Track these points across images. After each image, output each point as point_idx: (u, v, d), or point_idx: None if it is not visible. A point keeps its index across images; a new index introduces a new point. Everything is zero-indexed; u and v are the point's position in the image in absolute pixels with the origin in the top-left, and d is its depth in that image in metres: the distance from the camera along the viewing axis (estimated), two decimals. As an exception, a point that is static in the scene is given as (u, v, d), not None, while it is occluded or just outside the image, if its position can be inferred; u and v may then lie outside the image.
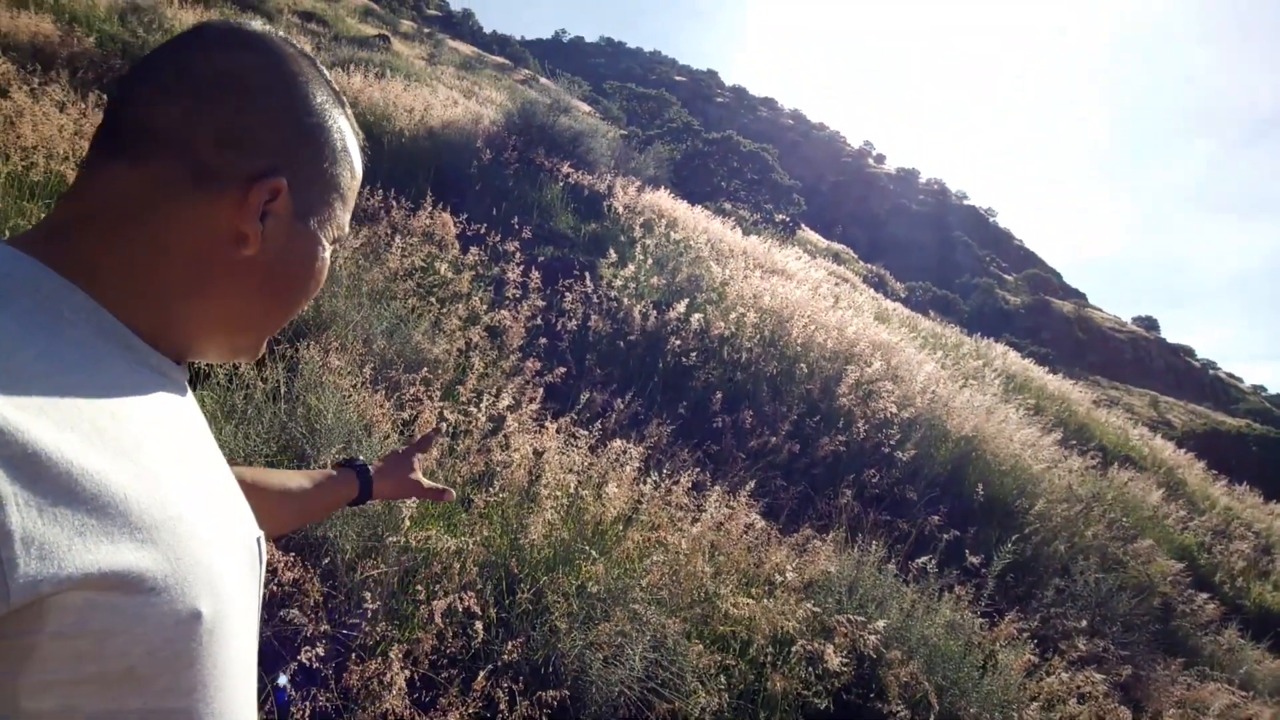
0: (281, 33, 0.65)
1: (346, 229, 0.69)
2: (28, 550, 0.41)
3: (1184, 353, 57.38)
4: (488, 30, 49.67)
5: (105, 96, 5.37)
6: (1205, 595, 6.10)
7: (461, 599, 1.83)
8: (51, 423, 0.45)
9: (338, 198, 0.66)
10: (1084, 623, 4.53)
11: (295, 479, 1.05)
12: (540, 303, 4.84)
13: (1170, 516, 7.74)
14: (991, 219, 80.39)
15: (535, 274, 4.94)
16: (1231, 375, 60.87)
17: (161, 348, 0.60)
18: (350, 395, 2.81)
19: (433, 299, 4.42)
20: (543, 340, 4.52)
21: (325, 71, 0.67)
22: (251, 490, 0.98)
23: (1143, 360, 49.23)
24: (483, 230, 5.27)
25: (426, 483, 1.15)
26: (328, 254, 0.67)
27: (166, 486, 0.51)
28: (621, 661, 2.12)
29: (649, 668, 2.19)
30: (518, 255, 5.03)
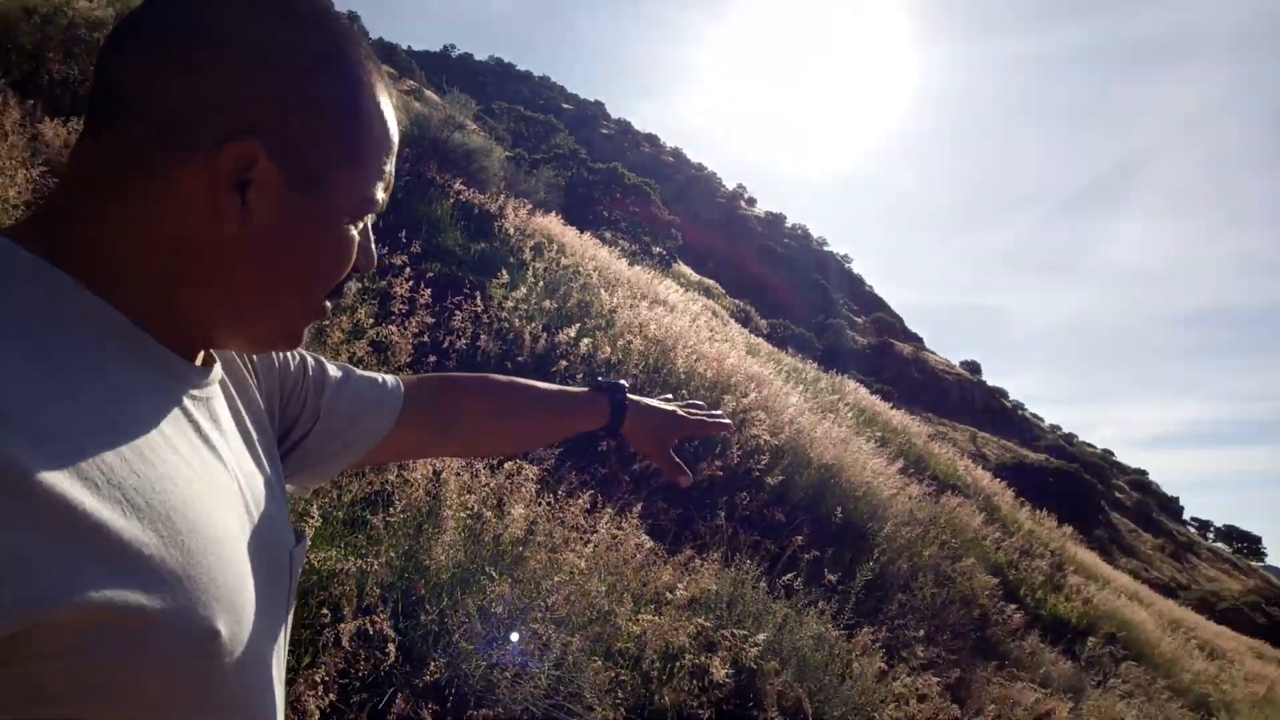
0: None
1: (379, 199, 0.60)
2: (25, 572, 0.37)
3: (999, 394, 63.96)
4: (374, 36, 48.00)
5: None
6: (1013, 606, 6.89)
7: (372, 622, 1.81)
8: (50, 437, 0.41)
9: (351, 164, 0.56)
10: (922, 632, 4.99)
11: (543, 389, 0.95)
12: (429, 319, 4.77)
13: (988, 538, 8.63)
14: (847, 264, 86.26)
15: (425, 290, 4.88)
16: (1035, 415, 68.36)
17: (176, 341, 0.55)
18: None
19: (317, 310, 4.26)
20: (431, 358, 4.46)
21: (333, 11, 0.57)
22: (509, 401, 0.93)
23: (966, 399, 54.25)
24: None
25: (674, 458, 0.99)
26: (352, 229, 0.59)
27: (180, 502, 0.47)
28: (527, 679, 2.16)
29: (553, 684, 2.24)
30: (406, 270, 4.95)
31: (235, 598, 0.50)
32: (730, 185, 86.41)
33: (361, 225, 0.61)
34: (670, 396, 1.08)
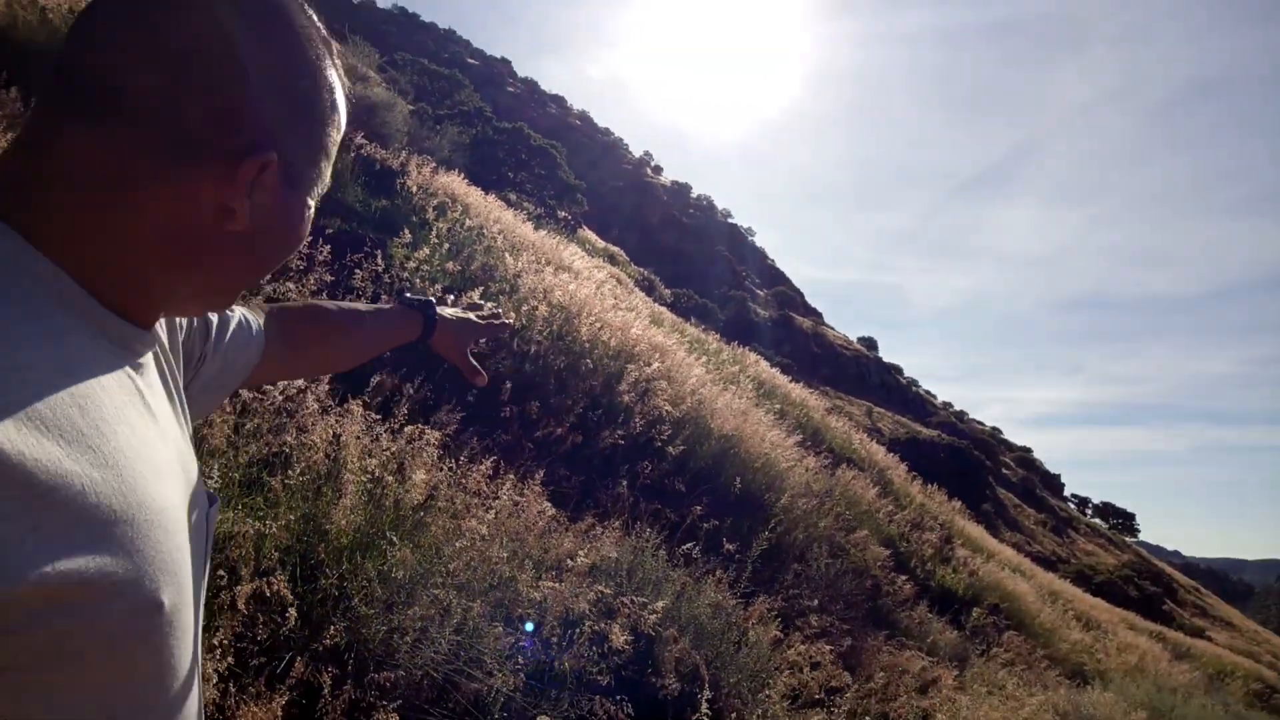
0: None
1: (329, 180, 0.66)
2: None
3: (894, 370, 67.28)
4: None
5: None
6: (904, 577, 7.29)
7: (270, 583, 1.74)
8: (4, 409, 0.40)
9: (325, 158, 0.63)
10: (816, 602, 5.25)
11: (368, 315, 1.03)
12: (329, 278, 4.56)
13: (881, 510, 9.10)
14: (750, 237, 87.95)
15: (324, 247, 4.65)
16: (929, 392, 72.38)
17: (129, 312, 0.56)
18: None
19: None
20: (329, 317, 4.28)
21: (314, 16, 0.61)
22: (328, 328, 0.99)
23: (863, 375, 56.84)
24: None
25: (472, 361, 1.13)
26: (311, 211, 0.64)
27: (130, 475, 0.48)
28: (427, 644, 2.15)
29: (453, 649, 2.24)
30: (302, 224, 4.70)
31: (178, 570, 0.51)
32: (637, 152, 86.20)
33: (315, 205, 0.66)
34: (471, 302, 1.22)
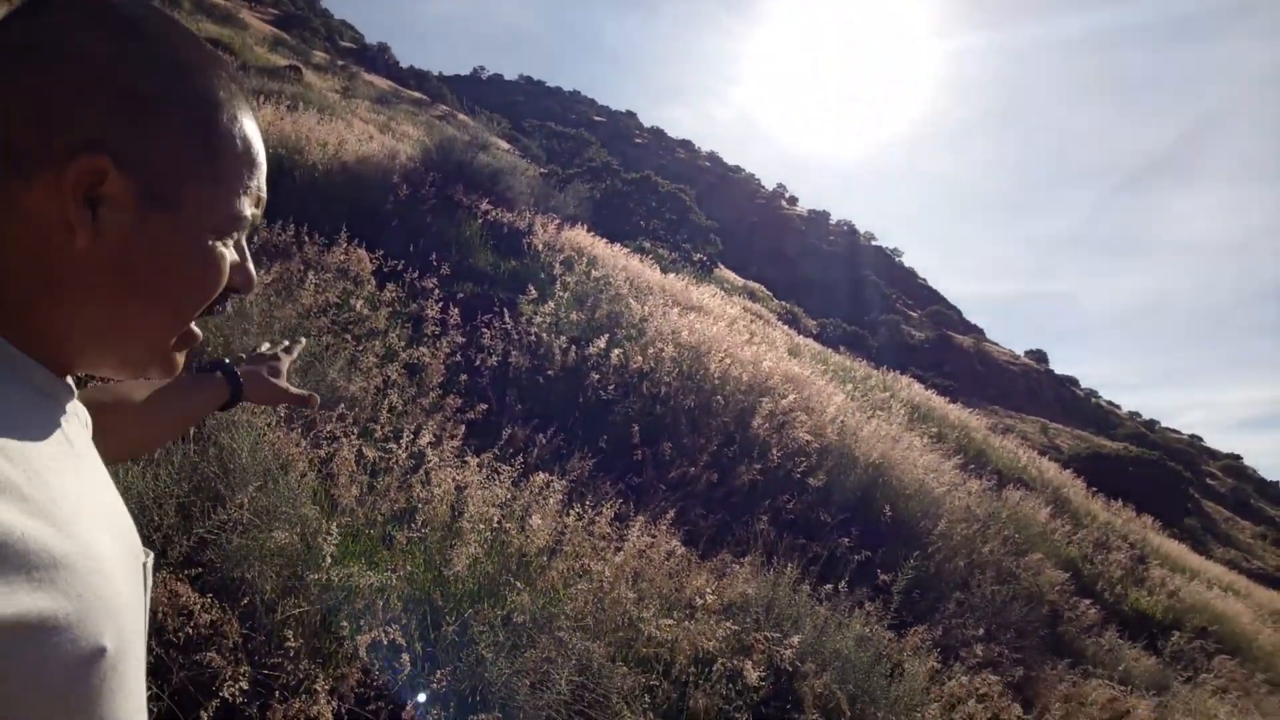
0: None
1: (247, 215, 0.61)
2: None
3: (1070, 383, 61.61)
4: (404, 65, 49.27)
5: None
6: (1088, 601, 6.56)
7: (386, 632, 1.85)
8: None
9: (213, 180, 0.57)
10: (981, 631, 4.82)
11: (161, 389, 0.97)
12: (460, 339, 4.86)
13: (1057, 531, 8.27)
14: (898, 258, 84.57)
15: (454, 310, 4.97)
16: (1111, 403, 65.56)
17: (47, 361, 0.55)
18: (265, 434, 2.78)
19: (348, 335, 4.39)
20: (463, 377, 4.54)
21: (191, 34, 0.58)
22: (118, 409, 0.92)
23: (1034, 390, 52.44)
24: (400, 267, 5.27)
25: (293, 389, 1.09)
26: (220, 245, 0.59)
27: (66, 522, 0.48)
28: (548, 686, 2.17)
29: (575, 691, 2.25)
30: (436, 292, 5.06)
31: (119, 615, 0.51)
32: (769, 186, 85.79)
33: (234, 243, 0.61)
34: (256, 352, 1.14)
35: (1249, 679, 6.72)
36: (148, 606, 0.65)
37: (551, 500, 3.14)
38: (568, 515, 3.14)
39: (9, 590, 0.41)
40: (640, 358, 5.99)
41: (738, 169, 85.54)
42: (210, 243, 0.58)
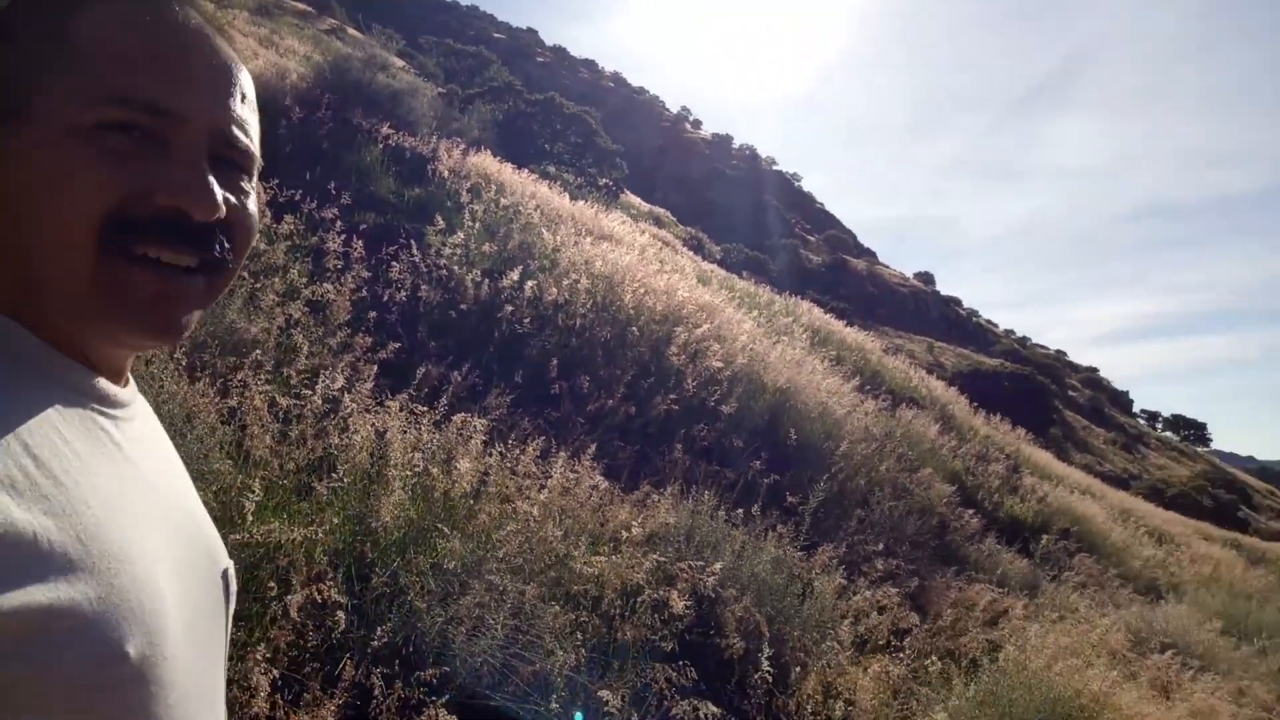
0: None
1: (121, 114, 0.52)
2: None
3: (954, 303, 65.42)
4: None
5: None
6: (971, 511, 7.14)
7: (319, 590, 1.79)
8: None
9: (69, 81, 0.51)
10: (881, 546, 5.17)
11: None
12: (365, 274, 4.63)
13: (944, 447, 8.89)
14: (797, 183, 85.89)
15: (357, 243, 4.71)
16: (990, 321, 70.23)
17: (77, 354, 0.54)
18: (164, 384, 2.59)
19: (244, 272, 4.09)
20: (371, 314, 4.34)
21: None
22: None
23: (921, 311, 55.39)
24: (297, 197, 4.91)
25: None
26: (84, 148, 0.51)
27: (92, 523, 0.47)
28: (483, 632, 2.19)
29: (510, 634, 2.27)
30: (337, 223, 4.76)
31: (151, 621, 0.49)
32: (674, 109, 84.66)
33: (133, 150, 0.52)
34: None
35: (1104, 574, 7.57)
36: (230, 615, 0.64)
37: (474, 441, 3.09)
38: (490, 455, 3.10)
39: (18, 586, 0.41)
40: (555, 290, 5.89)
41: (642, 90, 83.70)
42: (70, 147, 0.51)
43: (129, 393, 0.59)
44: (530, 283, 5.66)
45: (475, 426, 3.23)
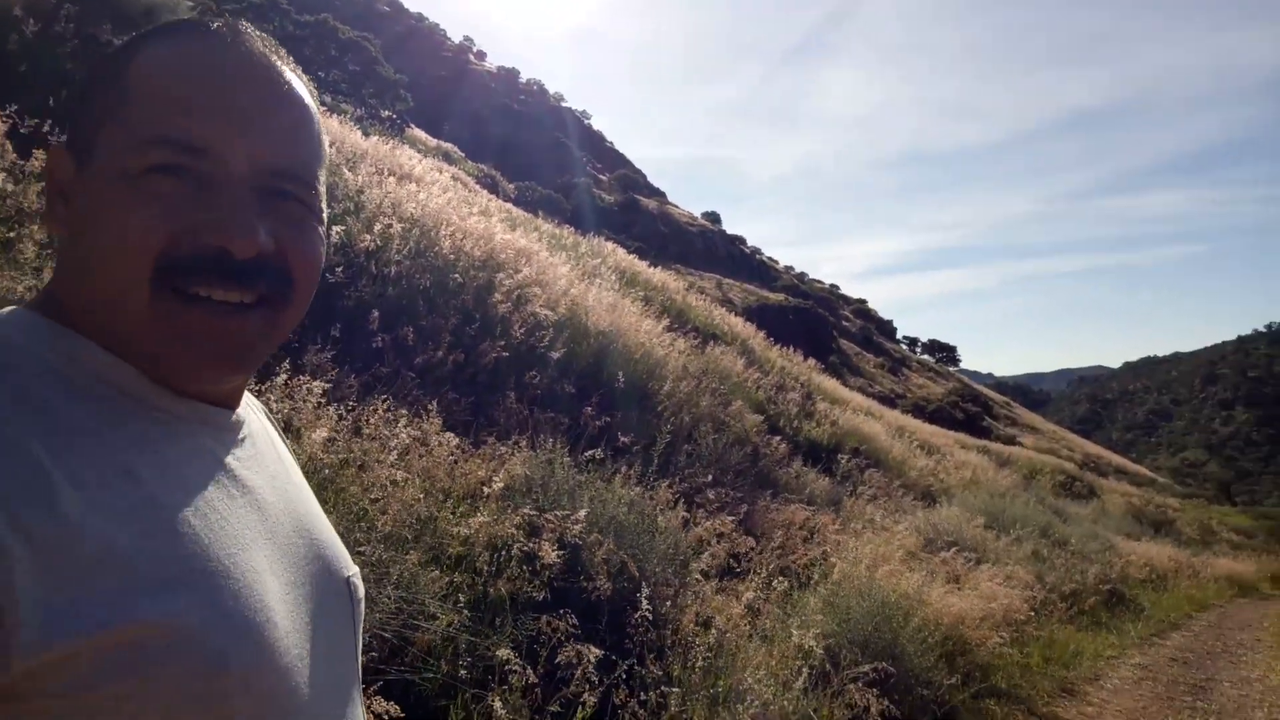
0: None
1: (159, 157, 0.53)
2: (34, 612, 0.41)
3: (739, 241, 69.66)
4: None
5: None
6: (777, 438, 7.83)
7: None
8: (58, 484, 0.45)
9: (121, 123, 0.54)
10: (710, 477, 5.54)
11: None
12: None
13: (749, 380, 9.59)
14: (586, 121, 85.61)
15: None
16: (771, 259, 75.79)
17: (167, 378, 0.56)
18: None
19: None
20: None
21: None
22: None
23: (710, 249, 58.41)
24: (44, 128, 4.07)
25: None
26: (134, 188, 0.53)
27: (191, 542, 0.50)
28: (371, 608, 2.07)
29: (399, 605, 2.17)
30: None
31: (255, 633, 0.51)
32: (456, 38, 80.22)
33: (181, 190, 0.53)
34: None
35: (890, 485, 8.68)
36: (359, 619, 0.67)
37: (308, 404, 2.84)
38: (342, 421, 2.88)
39: (121, 603, 0.45)
40: (366, 235, 5.47)
41: (421, 18, 78.04)
42: (122, 191, 0.53)
43: (238, 415, 0.61)
44: (338, 228, 5.21)
45: (310, 389, 2.97)
